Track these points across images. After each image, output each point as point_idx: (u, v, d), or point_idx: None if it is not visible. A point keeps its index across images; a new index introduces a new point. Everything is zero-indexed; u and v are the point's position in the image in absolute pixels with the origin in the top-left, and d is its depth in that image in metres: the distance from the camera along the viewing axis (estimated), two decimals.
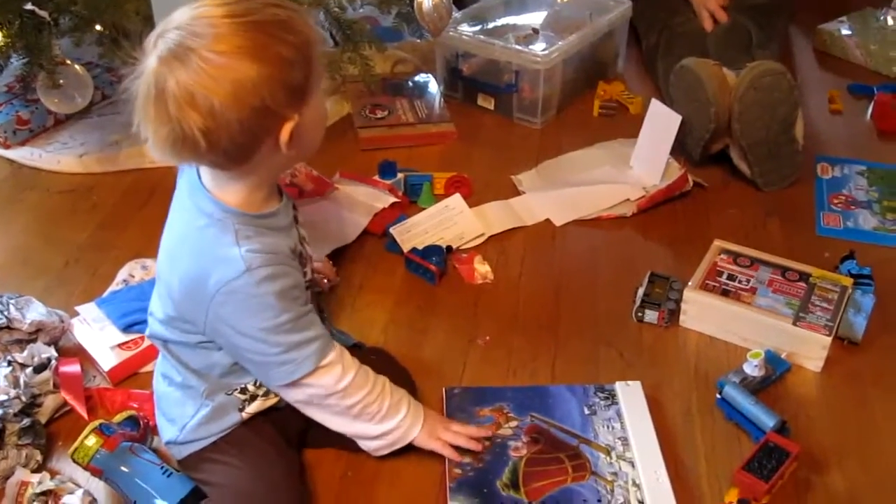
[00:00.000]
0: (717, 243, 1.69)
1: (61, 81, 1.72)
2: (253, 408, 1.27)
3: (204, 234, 1.17)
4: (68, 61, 1.73)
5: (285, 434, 1.32)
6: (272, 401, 1.28)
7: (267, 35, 1.06)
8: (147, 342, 1.50)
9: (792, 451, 1.32)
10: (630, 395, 1.45)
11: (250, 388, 1.26)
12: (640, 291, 1.64)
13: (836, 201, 1.92)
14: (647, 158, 1.96)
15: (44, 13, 1.61)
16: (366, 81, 1.93)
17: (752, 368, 1.47)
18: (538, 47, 2.14)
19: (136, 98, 1.07)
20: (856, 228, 1.85)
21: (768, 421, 1.38)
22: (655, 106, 1.96)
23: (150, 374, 1.40)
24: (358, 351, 1.41)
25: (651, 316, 1.61)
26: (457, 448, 1.32)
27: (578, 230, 1.86)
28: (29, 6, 1.61)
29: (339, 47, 1.86)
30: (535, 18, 2.35)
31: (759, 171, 1.92)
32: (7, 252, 1.82)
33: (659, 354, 1.56)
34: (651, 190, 1.90)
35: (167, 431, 1.29)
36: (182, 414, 1.27)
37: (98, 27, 1.68)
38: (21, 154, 2.08)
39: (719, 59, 1.99)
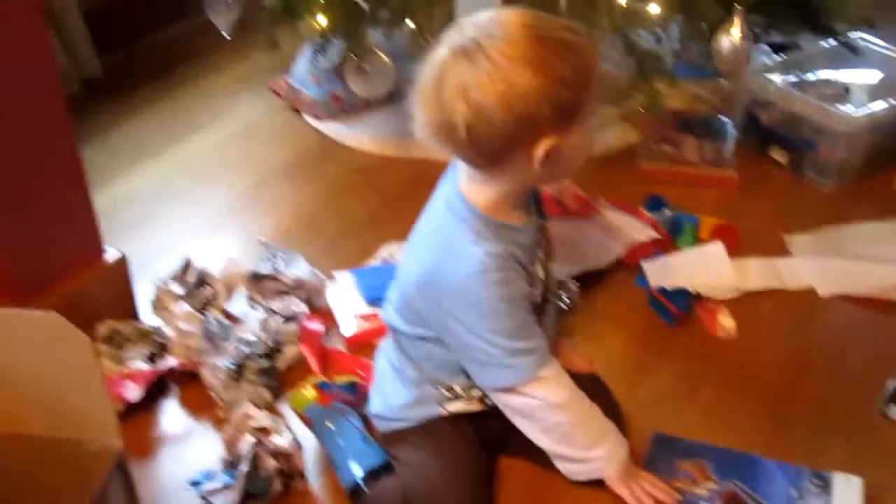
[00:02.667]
0: None
1: (367, 67, 1.87)
2: (454, 407, 1.33)
3: (447, 229, 1.24)
4: (378, 50, 1.88)
5: (483, 437, 1.35)
6: (474, 407, 1.33)
7: (551, 51, 1.10)
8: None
9: None
10: (847, 489, 1.34)
11: (457, 388, 1.32)
12: (892, 385, 1.51)
13: None
14: None
15: (364, 4, 1.76)
16: (652, 113, 1.92)
17: None
18: (846, 108, 2.02)
19: (419, 79, 1.16)
20: None
21: None
22: None
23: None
24: (575, 375, 1.43)
25: (895, 412, 1.49)
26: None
27: (843, 305, 1.74)
28: None
29: (633, 76, 1.87)
30: (860, 76, 2.22)
31: None
32: (295, 212, 2.02)
33: (890, 459, 1.44)
34: None
35: (375, 404, 1.38)
36: (391, 392, 1.35)
37: (409, 23, 1.81)
38: (329, 128, 2.29)
39: None
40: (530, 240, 1.26)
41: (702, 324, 1.68)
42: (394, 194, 2.07)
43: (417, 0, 1.72)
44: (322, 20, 1.83)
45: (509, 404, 1.27)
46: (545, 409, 1.25)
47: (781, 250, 1.87)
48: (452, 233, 1.22)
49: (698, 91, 2.31)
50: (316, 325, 1.62)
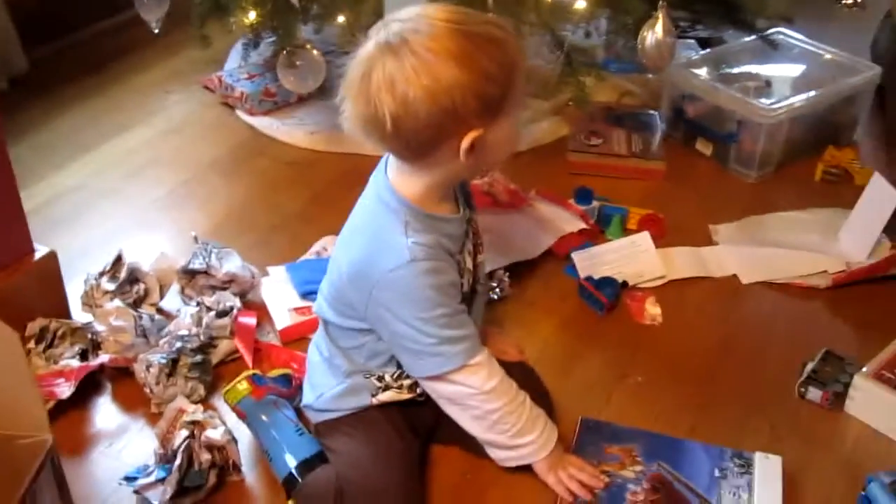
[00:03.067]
0: None
1: (298, 63, 1.88)
2: (384, 397, 1.34)
3: (377, 221, 1.26)
4: (308, 45, 1.89)
5: (415, 424, 1.38)
6: (404, 395, 1.35)
7: (476, 46, 1.12)
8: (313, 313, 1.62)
9: None
10: (767, 468, 1.39)
11: (387, 377, 1.33)
12: (810, 367, 1.57)
13: None
14: (857, 233, 1.87)
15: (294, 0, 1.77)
16: (578, 107, 1.96)
17: None
18: (767, 100, 2.09)
19: (346, 73, 1.18)
20: None
21: None
22: (876, 180, 1.86)
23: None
24: (505, 364, 1.46)
25: (814, 394, 1.54)
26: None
27: (764, 292, 1.80)
28: None
29: (559, 69, 1.91)
30: (781, 70, 2.29)
31: None
32: (227, 206, 2.02)
33: (813, 435, 1.49)
34: (853, 266, 1.81)
35: (307, 396, 1.40)
36: (322, 384, 1.37)
37: (340, 18, 1.82)
38: (261, 122, 2.30)
39: None
40: (459, 230, 1.29)
41: (629, 312, 1.72)
42: (325, 188, 2.08)
43: None
44: (253, 16, 1.83)
45: (441, 392, 1.30)
46: (476, 396, 1.27)
47: (706, 239, 1.92)
48: (382, 224, 1.24)
49: (626, 85, 2.37)
50: (249, 320, 1.62)
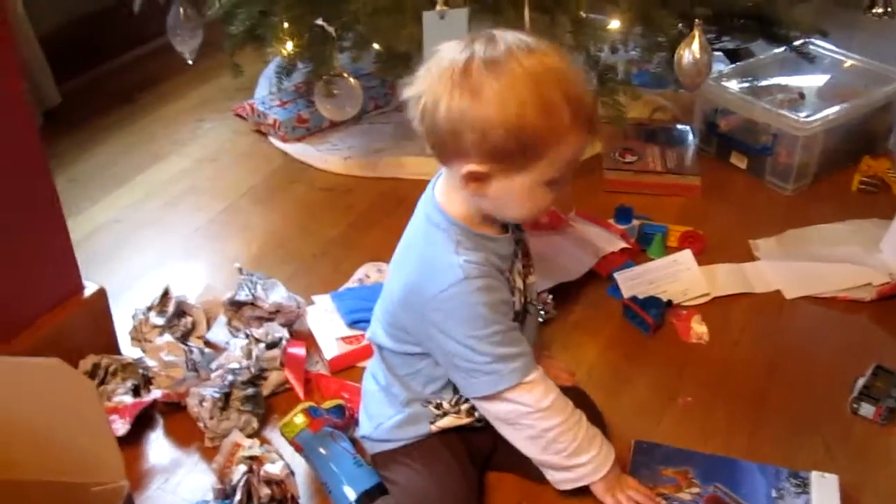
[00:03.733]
0: None
1: (336, 91, 1.89)
2: (443, 423, 1.35)
3: (428, 241, 1.26)
4: (345, 73, 1.90)
5: (472, 452, 1.38)
6: (463, 420, 1.35)
7: (527, 100, 1.11)
8: (367, 340, 1.63)
9: None
10: (824, 487, 1.39)
11: (445, 404, 1.34)
12: (861, 382, 1.56)
13: None
14: None
15: (331, 29, 1.78)
16: (615, 125, 1.96)
17: None
18: (801, 113, 2.09)
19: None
20: None
21: None
22: None
23: (364, 370, 1.52)
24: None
25: (867, 410, 1.54)
26: None
27: (809, 307, 1.80)
28: (319, 21, 1.79)
29: (595, 89, 1.92)
30: (812, 81, 2.29)
31: None
32: (267, 235, 2.03)
33: (868, 452, 1.48)
34: None
35: (365, 426, 1.40)
36: (380, 413, 1.37)
37: (375, 46, 1.83)
38: (295, 149, 2.30)
39: None
40: (507, 250, 1.29)
41: (675, 331, 1.72)
42: (363, 214, 2.09)
43: (383, 24, 1.74)
44: (290, 45, 1.85)
45: (496, 413, 1.29)
46: (531, 415, 1.26)
47: (747, 255, 1.92)
48: (432, 244, 1.25)
49: (658, 100, 2.37)
50: (298, 350, 1.63)
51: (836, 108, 2.09)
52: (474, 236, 1.24)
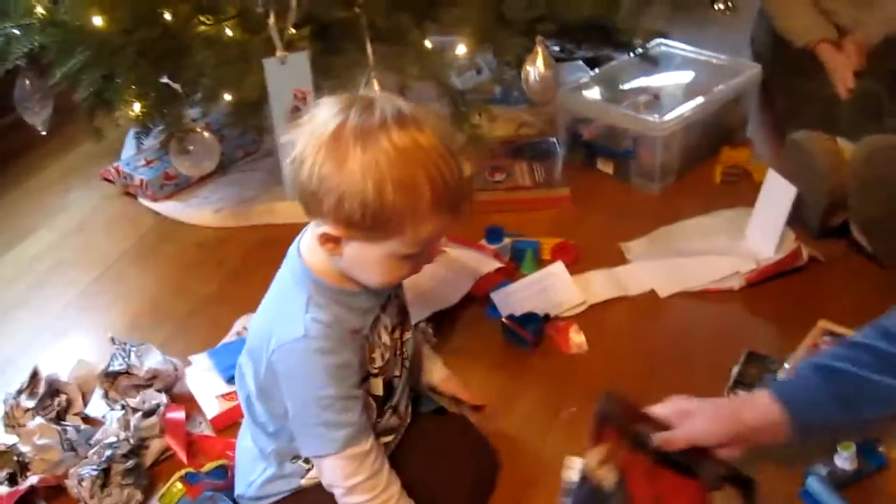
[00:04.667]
0: (822, 324, 1.63)
1: (190, 147, 1.87)
2: (314, 474, 1.31)
3: (283, 291, 1.25)
4: (198, 129, 1.88)
5: None
6: None
7: (378, 173, 1.09)
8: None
9: None
10: None
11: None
12: (736, 370, 1.60)
13: None
14: (762, 229, 1.92)
15: (177, 85, 1.76)
16: (475, 148, 1.98)
17: (843, 461, 1.41)
18: (658, 114, 2.14)
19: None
20: None
21: None
22: (772, 176, 1.92)
23: None
24: (440, 416, 1.46)
25: None
26: None
27: (683, 302, 1.84)
28: (165, 79, 1.77)
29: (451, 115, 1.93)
30: (670, 80, 2.35)
31: (881, 247, 1.84)
32: (141, 300, 1.99)
33: None
34: (763, 263, 1.86)
35: (239, 485, 1.37)
36: (251, 470, 1.34)
37: (226, 97, 1.82)
38: (166, 207, 2.27)
39: (849, 127, 1.93)
40: (369, 303, 1.26)
41: (555, 344, 1.74)
42: (239, 265, 2.06)
43: (228, 75, 1.73)
44: (137, 107, 1.82)
45: (321, 474, 1.27)
46: (336, 488, 1.24)
47: (620, 258, 1.96)
48: (287, 296, 1.24)
49: (522, 116, 2.40)
50: (177, 414, 1.59)
51: (690, 106, 2.15)
52: (329, 291, 1.22)
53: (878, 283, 1.83)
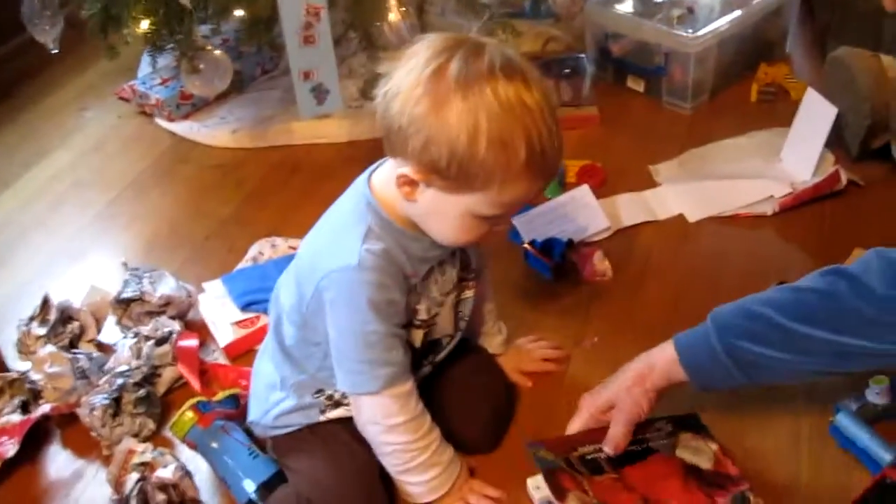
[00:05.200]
0: (856, 253, 1.56)
1: (201, 66, 1.81)
2: (334, 414, 1.29)
3: (344, 217, 1.20)
4: (208, 46, 1.81)
5: None
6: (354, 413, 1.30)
7: (474, 123, 1.03)
8: (264, 321, 1.58)
9: None
10: None
11: (336, 394, 1.28)
12: None
13: None
14: (799, 151, 1.83)
15: (186, 0, 1.68)
16: None
17: (874, 395, 1.35)
18: (691, 28, 2.03)
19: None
20: None
21: (885, 455, 1.27)
22: (811, 95, 1.82)
23: None
24: (464, 355, 1.42)
25: None
26: None
27: (713, 228, 1.77)
28: None
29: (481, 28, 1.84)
30: None
31: None
32: (157, 223, 1.96)
33: None
34: (798, 188, 1.78)
35: (253, 411, 1.35)
36: (268, 398, 1.32)
37: (237, 13, 1.75)
38: (182, 127, 2.22)
39: (894, 43, 1.82)
40: (427, 253, 1.20)
41: (578, 270, 1.68)
42: (256, 187, 2.02)
43: None
44: (146, 24, 1.75)
45: (355, 411, 1.24)
46: (375, 426, 1.22)
47: (649, 181, 1.88)
48: (346, 220, 1.19)
49: (550, 31, 2.30)
50: (190, 342, 1.57)
51: (725, 20, 2.05)
52: (391, 227, 1.17)
53: None
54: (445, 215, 1.13)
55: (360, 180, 1.21)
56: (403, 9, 1.60)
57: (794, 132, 1.86)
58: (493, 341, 1.49)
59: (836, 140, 1.80)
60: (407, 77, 1.07)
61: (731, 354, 1.21)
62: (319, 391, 1.29)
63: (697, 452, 1.31)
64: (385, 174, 1.18)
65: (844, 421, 1.33)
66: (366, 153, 2.08)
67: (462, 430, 1.33)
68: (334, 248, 1.18)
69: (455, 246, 1.22)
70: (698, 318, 1.55)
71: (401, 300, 1.19)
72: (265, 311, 1.59)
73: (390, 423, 1.21)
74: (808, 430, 1.36)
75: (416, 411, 1.23)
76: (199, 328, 1.64)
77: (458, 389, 1.37)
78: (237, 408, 1.41)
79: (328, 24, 1.66)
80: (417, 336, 1.26)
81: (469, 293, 1.33)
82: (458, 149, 1.04)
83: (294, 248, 1.79)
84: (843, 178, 1.77)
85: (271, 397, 1.32)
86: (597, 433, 1.30)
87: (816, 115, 1.79)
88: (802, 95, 2.04)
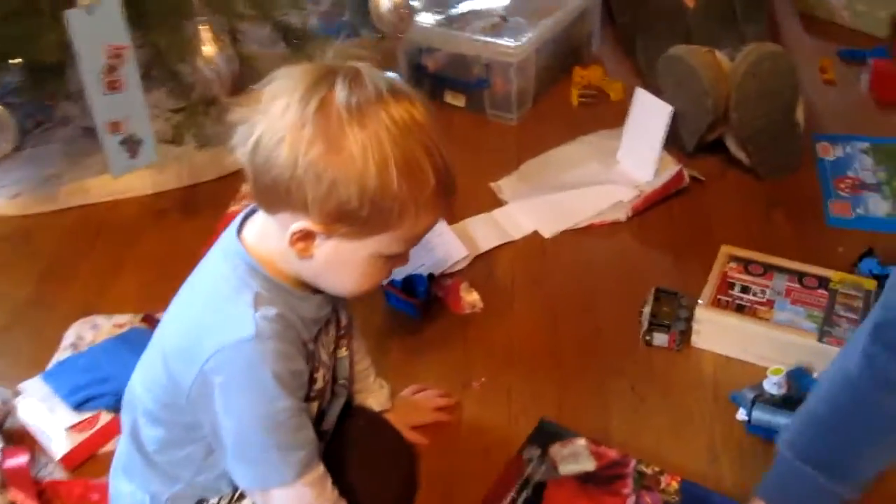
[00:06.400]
0: (725, 249, 1.54)
1: None
2: None
3: (220, 286, 1.00)
4: None
5: None
6: None
7: (381, 154, 0.90)
8: (104, 419, 1.34)
9: None
10: None
11: (223, 502, 1.08)
12: (647, 311, 1.49)
13: (842, 186, 1.78)
14: (636, 152, 1.81)
15: None
16: None
17: (772, 386, 1.33)
18: (508, 37, 1.97)
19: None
20: (868, 216, 1.71)
21: None
22: (642, 96, 1.80)
23: (111, 455, 1.22)
24: (349, 419, 1.25)
25: (661, 339, 1.47)
26: None
27: (570, 241, 1.71)
28: None
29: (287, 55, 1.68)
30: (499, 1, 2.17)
31: (760, 159, 1.77)
32: None
33: (673, 382, 1.42)
34: (645, 189, 1.75)
35: None
36: None
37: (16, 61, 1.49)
38: None
39: (702, 35, 1.85)
40: (316, 313, 1.04)
41: (446, 306, 1.56)
42: (53, 259, 1.73)
43: (16, 34, 1.39)
44: None
45: None
46: None
47: (493, 199, 1.80)
48: (225, 291, 0.99)
49: (356, 51, 2.15)
50: (18, 460, 1.30)
51: (541, 25, 2.00)
52: (279, 290, 0.99)
53: (761, 196, 1.78)
54: (348, 264, 0.98)
55: (229, 240, 1.02)
56: (219, 41, 1.41)
57: (628, 133, 1.83)
58: (376, 398, 1.33)
59: (668, 137, 1.78)
60: (283, 119, 0.91)
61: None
62: (201, 501, 1.08)
63: (576, 457, 1.30)
64: (261, 230, 1.00)
65: (759, 414, 1.31)
66: (176, 203, 1.88)
67: None
68: (218, 321, 0.98)
69: (355, 296, 1.06)
70: (581, 336, 1.51)
71: (305, 370, 1.02)
72: (105, 407, 1.36)
73: None
74: (722, 428, 1.34)
75: (334, 496, 1.06)
76: (20, 438, 1.36)
77: (357, 462, 1.21)
78: None
79: (135, 64, 1.43)
80: (313, 410, 1.09)
81: (344, 352, 1.17)
82: (369, 184, 0.90)
83: (121, 327, 1.56)
84: (687, 175, 1.76)
85: None
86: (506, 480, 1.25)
87: (650, 114, 1.78)
88: (621, 95, 2.05)
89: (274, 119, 0.92)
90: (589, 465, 1.28)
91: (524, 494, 1.24)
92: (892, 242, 1.63)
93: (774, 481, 1.12)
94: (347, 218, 0.92)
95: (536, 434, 1.32)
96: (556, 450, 1.30)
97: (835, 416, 1.06)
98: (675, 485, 1.25)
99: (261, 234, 1.01)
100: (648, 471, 1.26)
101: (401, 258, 1.02)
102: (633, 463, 1.27)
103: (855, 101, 2.06)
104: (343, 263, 0.98)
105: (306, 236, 0.95)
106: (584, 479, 1.26)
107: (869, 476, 1.07)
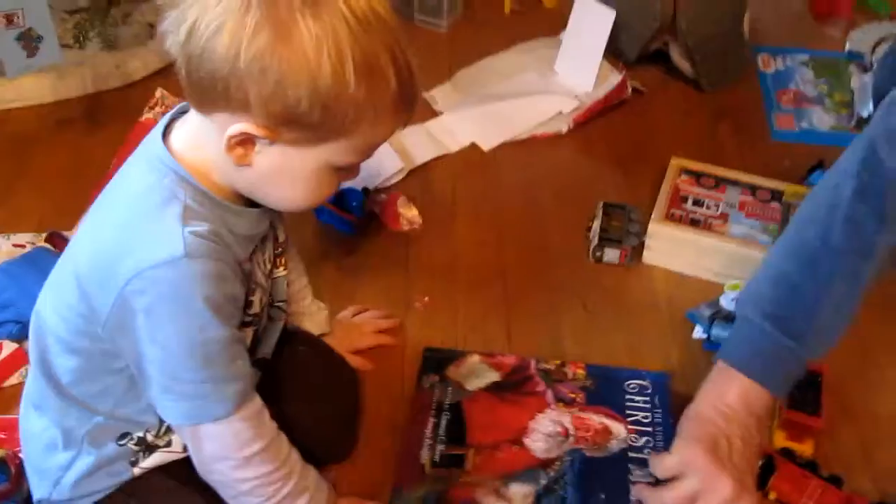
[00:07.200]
0: (676, 162, 1.48)
1: None
2: (149, 462, 0.97)
3: (142, 198, 0.87)
4: None
5: None
6: (176, 455, 0.98)
7: (336, 49, 0.78)
8: (8, 349, 1.21)
9: (821, 371, 1.16)
10: None
11: (149, 436, 0.96)
12: (596, 226, 1.42)
13: (784, 98, 1.74)
14: (575, 61, 1.72)
15: None
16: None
17: (731, 302, 1.27)
18: None
19: None
20: (812, 130, 1.67)
21: None
22: (583, 1, 1.70)
23: (17, 388, 1.09)
24: (287, 346, 1.14)
25: (611, 255, 1.40)
26: None
27: (511, 154, 1.61)
28: None
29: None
30: None
31: (705, 69, 1.71)
32: None
33: (625, 300, 1.36)
34: (586, 100, 1.66)
35: (37, 487, 0.99)
36: (54, 465, 0.96)
37: None
38: None
39: None
40: (253, 230, 0.93)
41: (383, 222, 1.46)
42: None
43: None
44: None
45: (192, 449, 0.94)
46: (227, 460, 0.93)
47: (428, 110, 1.68)
48: (148, 202, 0.86)
49: None
50: None
51: None
52: (212, 202, 0.87)
53: (704, 109, 1.72)
54: (292, 175, 0.86)
55: (153, 146, 0.88)
56: None
57: (567, 41, 1.74)
58: (314, 320, 1.23)
59: (609, 46, 1.70)
60: (221, 3, 0.78)
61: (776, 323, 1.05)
62: (125, 435, 0.95)
63: (476, 373, 1.24)
64: (192, 134, 0.88)
65: (719, 333, 1.25)
66: (81, 113, 1.69)
67: (309, 438, 1.06)
68: (141, 238, 0.84)
69: (300, 210, 0.95)
70: (530, 255, 1.42)
71: (241, 294, 0.91)
72: (8, 336, 1.23)
73: (246, 454, 0.92)
74: (679, 346, 1.29)
75: (273, 431, 0.95)
76: None
77: (298, 392, 1.11)
78: (8, 477, 1.04)
79: None
80: (248, 337, 0.98)
81: (282, 271, 1.06)
82: (322, 84, 0.78)
83: (20, 247, 1.40)
84: (629, 86, 1.68)
85: (56, 461, 0.96)
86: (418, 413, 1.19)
87: (591, 21, 1.69)
88: (555, 2, 1.95)
89: (212, 1, 0.79)
90: (492, 376, 1.23)
91: (444, 418, 1.17)
92: (838, 155, 1.59)
93: (740, 345, 1.09)
94: (295, 122, 0.81)
95: (426, 365, 1.25)
96: (454, 371, 1.24)
97: (809, 281, 1.05)
98: (581, 371, 1.24)
99: (192, 138, 0.88)
100: (551, 366, 1.24)
101: (352, 170, 0.92)
102: (533, 363, 1.25)
103: (791, 12, 2.01)
104: (287, 173, 0.86)
105: (246, 141, 0.82)
106: (495, 388, 1.22)
107: (833, 341, 1.07)
